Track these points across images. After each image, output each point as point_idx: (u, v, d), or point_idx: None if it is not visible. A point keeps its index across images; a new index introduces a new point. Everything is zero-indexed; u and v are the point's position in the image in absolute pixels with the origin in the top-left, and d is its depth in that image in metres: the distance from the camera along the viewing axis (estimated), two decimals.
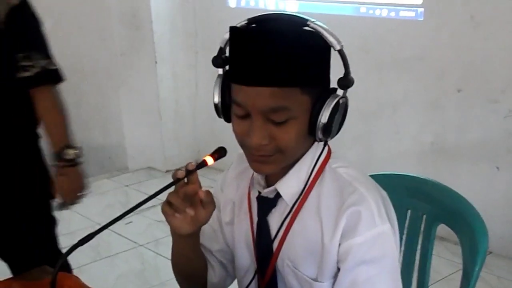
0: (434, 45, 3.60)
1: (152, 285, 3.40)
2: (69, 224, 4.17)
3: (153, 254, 3.74)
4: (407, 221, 1.71)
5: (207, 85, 5.05)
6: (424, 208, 1.69)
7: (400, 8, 3.70)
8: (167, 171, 5.17)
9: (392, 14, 3.74)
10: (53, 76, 2.25)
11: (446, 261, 3.27)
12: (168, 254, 3.83)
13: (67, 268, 2.38)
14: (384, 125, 3.90)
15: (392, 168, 2.91)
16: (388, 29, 3.80)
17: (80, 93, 5.81)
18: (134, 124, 5.31)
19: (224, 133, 5.60)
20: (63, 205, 2.42)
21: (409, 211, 1.72)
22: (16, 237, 2.32)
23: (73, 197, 2.43)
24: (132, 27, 5.01)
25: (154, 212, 3.72)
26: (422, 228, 1.70)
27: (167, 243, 3.94)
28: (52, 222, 2.50)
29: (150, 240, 3.88)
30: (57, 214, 2.44)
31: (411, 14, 3.64)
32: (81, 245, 1.20)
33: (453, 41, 3.50)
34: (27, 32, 2.15)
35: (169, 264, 3.71)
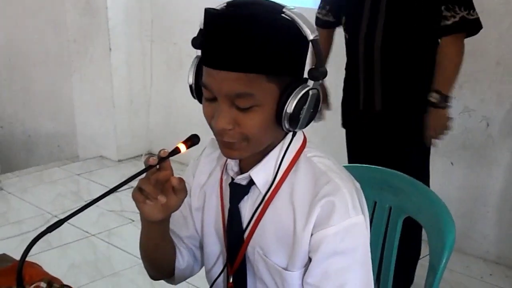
0: None
1: (104, 275, 3.35)
2: (18, 213, 4.09)
3: (105, 244, 3.69)
4: (373, 213, 1.72)
5: (162, 74, 5.01)
6: (390, 200, 1.69)
7: None
8: (119, 161, 5.12)
9: None
10: (469, 26, 2.53)
11: None
12: (120, 244, 3.82)
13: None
14: None
15: None
16: None
17: (30, 79, 5.70)
18: (86, 113, 5.22)
19: (178, 123, 5.59)
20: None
21: (375, 203, 1.72)
22: None
23: (433, 134, 2.68)
24: (86, 13, 4.92)
25: (106, 202, 3.65)
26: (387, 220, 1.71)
27: (119, 233, 3.95)
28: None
29: (102, 230, 3.83)
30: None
31: None
32: (50, 231, 1.16)
33: None
34: None
35: (121, 254, 3.70)
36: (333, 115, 2.96)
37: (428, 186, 2.58)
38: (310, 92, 1.24)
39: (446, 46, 2.57)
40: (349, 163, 2.88)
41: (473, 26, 2.55)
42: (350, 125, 2.89)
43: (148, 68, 5.07)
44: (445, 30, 2.52)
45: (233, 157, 1.31)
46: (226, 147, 1.28)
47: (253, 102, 1.21)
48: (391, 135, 2.73)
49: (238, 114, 1.23)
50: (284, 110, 1.22)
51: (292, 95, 1.22)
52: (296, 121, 1.24)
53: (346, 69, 2.81)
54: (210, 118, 1.26)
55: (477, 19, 2.53)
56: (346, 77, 2.81)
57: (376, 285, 1.67)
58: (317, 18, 2.83)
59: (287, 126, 1.25)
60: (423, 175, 2.71)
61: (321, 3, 2.84)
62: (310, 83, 1.26)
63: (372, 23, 2.60)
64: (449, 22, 2.49)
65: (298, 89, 1.23)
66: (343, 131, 2.94)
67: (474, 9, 2.53)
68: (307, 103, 1.24)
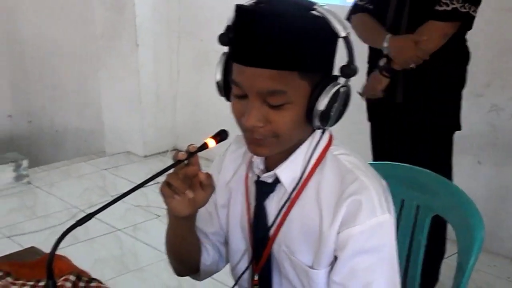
0: None
1: (130, 269, 3.37)
2: (46, 207, 4.14)
3: (131, 239, 3.71)
4: (400, 211, 1.71)
5: (189, 70, 5.02)
6: (418, 198, 1.68)
7: None
8: (145, 156, 5.13)
9: None
10: (457, 18, 2.52)
11: None
12: (146, 239, 3.84)
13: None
14: None
15: None
16: None
17: (58, 74, 5.74)
18: (113, 108, 5.25)
19: (205, 119, 5.59)
20: None
21: (403, 201, 1.71)
22: None
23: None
24: (113, 9, 4.94)
25: (132, 197, 3.67)
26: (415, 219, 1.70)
27: (145, 228, 3.97)
28: None
29: (128, 225, 3.86)
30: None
31: None
32: (79, 225, 1.17)
33: None
34: None
35: (147, 249, 3.72)
36: (358, 112, 2.95)
37: (451, 180, 2.57)
38: (341, 90, 1.24)
39: (429, 27, 2.53)
40: (373, 158, 2.87)
41: (463, 19, 2.53)
42: (373, 119, 2.89)
43: (174, 64, 5.09)
44: (433, 14, 2.51)
45: (260, 154, 1.31)
46: (255, 144, 1.28)
47: (285, 99, 1.21)
48: (412, 128, 2.72)
49: (269, 111, 1.23)
50: (315, 108, 1.22)
51: (324, 92, 1.22)
52: (327, 119, 1.24)
53: (368, 62, 2.80)
54: (239, 115, 1.26)
55: (467, 14, 2.50)
56: (368, 70, 2.80)
57: (403, 283, 1.67)
58: (355, 4, 2.82)
59: (317, 123, 1.25)
60: (446, 170, 2.70)
61: None
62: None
63: (398, 15, 2.61)
64: (440, 9, 2.49)
65: (329, 86, 1.23)
66: (369, 127, 2.93)
67: (473, 4, 2.50)
68: (338, 100, 1.24)
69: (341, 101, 1.25)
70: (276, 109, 1.22)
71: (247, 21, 1.21)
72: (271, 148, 1.28)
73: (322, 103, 1.22)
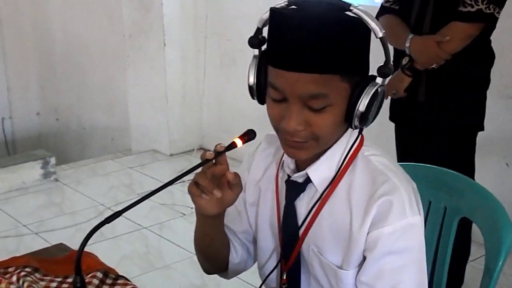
0: None
1: (156, 267, 3.39)
2: (72, 204, 4.18)
3: (157, 237, 3.73)
4: (428, 213, 1.70)
5: (215, 70, 5.03)
6: (446, 200, 1.67)
7: None
8: (171, 155, 5.15)
9: None
10: (482, 19, 2.49)
11: None
12: (171, 237, 3.85)
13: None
14: None
15: None
16: None
17: (86, 72, 5.79)
18: (139, 107, 5.28)
19: (230, 119, 5.59)
20: None
21: (430, 203, 1.70)
22: None
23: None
24: (141, 8, 4.97)
25: (158, 195, 3.68)
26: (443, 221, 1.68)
27: (171, 226, 3.98)
28: None
29: (154, 223, 3.87)
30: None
31: None
32: (108, 223, 1.18)
33: None
34: None
35: (172, 247, 3.73)
36: (384, 112, 2.94)
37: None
38: (379, 89, 1.25)
39: (453, 28, 2.51)
40: (398, 158, 2.86)
41: (487, 20, 2.50)
42: (396, 118, 2.88)
43: (201, 63, 5.10)
44: (457, 15, 2.49)
45: (300, 157, 1.32)
46: (294, 147, 1.28)
47: (327, 102, 1.22)
48: (434, 127, 2.71)
49: (310, 115, 1.23)
50: (356, 109, 1.23)
51: (364, 93, 1.23)
52: (366, 119, 1.25)
53: (393, 61, 2.79)
54: (278, 119, 1.27)
55: (492, 15, 2.47)
56: (393, 71, 2.79)
57: (429, 286, 1.66)
58: (382, 6, 2.81)
59: (356, 123, 1.26)
60: (469, 171, 2.68)
61: None
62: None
63: (421, 15, 2.60)
64: (464, 10, 2.47)
65: (368, 87, 1.24)
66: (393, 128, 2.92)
67: (497, 5, 2.47)
68: (377, 100, 1.25)
69: (379, 101, 1.26)
70: (317, 112, 1.23)
71: (286, 26, 1.21)
72: (310, 150, 1.29)
73: (362, 104, 1.23)
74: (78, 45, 5.77)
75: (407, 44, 2.58)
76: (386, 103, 2.80)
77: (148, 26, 4.98)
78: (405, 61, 2.62)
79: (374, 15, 2.73)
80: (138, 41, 5.09)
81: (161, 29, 4.89)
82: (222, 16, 4.87)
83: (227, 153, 1.25)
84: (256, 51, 1.31)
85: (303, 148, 1.28)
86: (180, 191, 3.97)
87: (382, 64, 1.25)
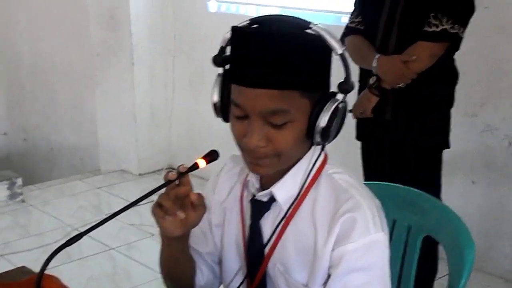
0: None
1: None
2: (39, 225, 4.12)
3: (124, 258, 3.70)
4: (392, 231, 1.70)
5: (184, 89, 5.03)
6: (409, 218, 1.68)
7: None
8: (140, 175, 5.12)
9: None
10: (446, 38, 2.55)
11: None
12: (139, 258, 3.81)
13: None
14: None
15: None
16: None
17: (54, 92, 5.75)
18: (108, 126, 5.25)
19: (200, 138, 5.57)
20: None
21: (394, 221, 1.71)
22: None
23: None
24: (109, 27, 4.96)
25: (126, 215, 3.66)
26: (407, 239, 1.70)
27: (139, 246, 3.94)
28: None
29: (122, 243, 3.84)
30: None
31: None
32: (69, 245, 1.17)
33: None
34: None
35: (140, 268, 3.70)
36: (350, 130, 2.95)
37: (440, 198, 2.57)
38: (340, 106, 1.26)
39: (419, 47, 2.56)
40: (364, 176, 2.87)
41: (452, 40, 2.56)
42: (363, 137, 2.90)
43: (170, 82, 5.10)
44: (422, 35, 2.54)
45: (261, 173, 1.33)
46: (255, 164, 1.29)
47: (287, 118, 1.23)
48: (400, 146, 2.73)
49: (271, 131, 1.24)
50: (317, 124, 1.24)
51: (324, 109, 1.24)
52: (327, 135, 1.26)
53: (359, 81, 2.82)
54: (241, 136, 1.27)
55: (456, 34, 2.53)
56: (359, 89, 2.81)
57: None
58: (347, 27, 2.84)
59: (318, 140, 1.27)
60: (434, 189, 2.71)
61: (352, 13, 2.86)
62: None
63: (387, 35, 2.64)
64: (429, 30, 2.52)
65: (329, 103, 1.25)
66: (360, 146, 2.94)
67: (462, 25, 2.53)
68: (337, 116, 1.26)
69: (340, 117, 1.27)
70: (278, 128, 1.24)
71: (246, 43, 1.22)
72: (272, 167, 1.29)
73: (323, 120, 1.24)
74: (46, 64, 5.73)
75: (374, 64, 2.61)
76: (352, 121, 2.83)
77: (117, 45, 4.97)
78: (372, 80, 2.65)
79: (340, 34, 2.77)
80: (107, 60, 5.07)
81: (129, 48, 4.88)
82: (191, 35, 4.88)
83: (196, 172, 1.25)
84: (220, 70, 1.31)
85: (265, 165, 1.28)
86: (148, 211, 3.88)
87: (342, 80, 1.26)
